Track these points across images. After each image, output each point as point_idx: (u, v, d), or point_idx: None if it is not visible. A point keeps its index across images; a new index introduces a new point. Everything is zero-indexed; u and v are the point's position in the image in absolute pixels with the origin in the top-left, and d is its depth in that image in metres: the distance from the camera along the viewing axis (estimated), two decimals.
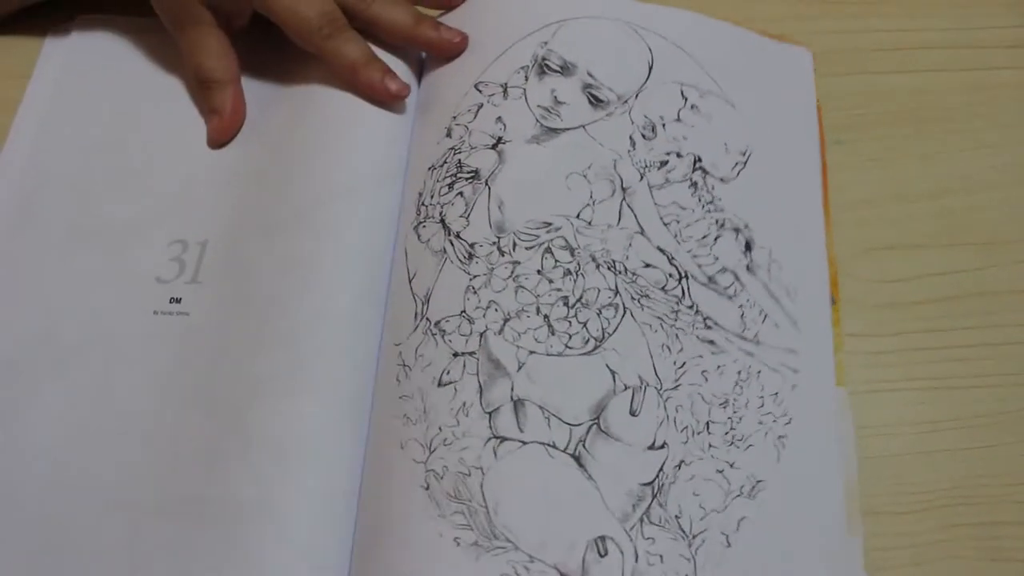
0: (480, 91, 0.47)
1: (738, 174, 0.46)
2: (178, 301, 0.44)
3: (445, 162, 0.45)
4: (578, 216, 0.44)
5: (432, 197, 0.45)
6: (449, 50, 0.48)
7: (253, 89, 0.49)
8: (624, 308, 0.42)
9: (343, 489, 0.39)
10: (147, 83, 0.50)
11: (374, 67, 0.46)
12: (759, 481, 0.39)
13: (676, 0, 0.49)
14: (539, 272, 0.42)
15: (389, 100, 0.47)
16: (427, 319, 0.42)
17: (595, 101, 0.47)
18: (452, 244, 0.43)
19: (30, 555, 0.38)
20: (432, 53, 0.49)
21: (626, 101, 0.47)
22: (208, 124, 0.48)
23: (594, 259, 0.43)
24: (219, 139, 0.48)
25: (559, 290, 0.42)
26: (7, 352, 0.42)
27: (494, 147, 0.45)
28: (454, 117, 0.47)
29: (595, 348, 0.41)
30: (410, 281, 0.43)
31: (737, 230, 0.45)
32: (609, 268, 0.43)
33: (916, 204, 0.49)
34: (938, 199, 0.49)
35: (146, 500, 0.39)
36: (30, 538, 0.38)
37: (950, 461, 0.42)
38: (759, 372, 0.42)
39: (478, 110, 0.46)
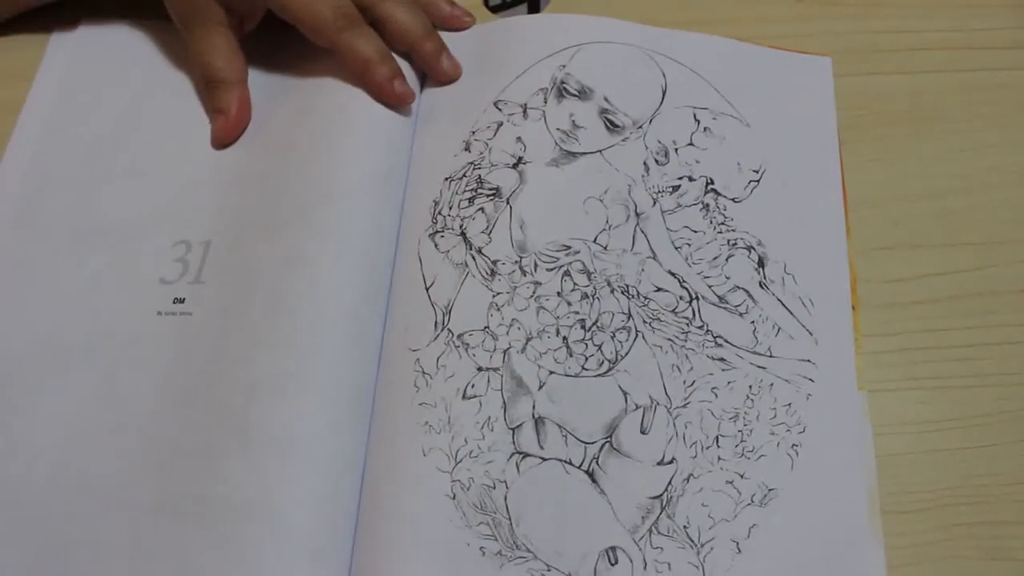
0: (500, 109, 0.45)
1: (751, 192, 0.44)
2: (181, 301, 0.41)
3: (464, 175, 0.44)
4: (595, 240, 0.42)
5: (451, 208, 0.43)
6: (440, 75, 0.47)
7: (255, 90, 0.46)
8: (636, 331, 0.41)
9: (343, 489, 0.37)
10: (150, 84, 0.47)
11: (386, 65, 0.44)
12: (771, 489, 0.38)
13: (682, 12, 0.47)
14: (559, 294, 0.41)
15: (393, 101, 0.44)
16: (449, 330, 0.40)
17: (611, 126, 0.45)
18: (474, 259, 0.42)
19: (31, 555, 0.36)
20: (426, 70, 0.47)
21: (640, 127, 0.45)
22: (213, 124, 0.46)
23: (609, 283, 0.42)
24: (224, 139, 0.45)
25: (577, 313, 0.41)
26: (10, 352, 0.40)
27: (515, 166, 0.44)
28: (472, 132, 0.45)
29: (609, 370, 0.40)
30: (427, 289, 0.41)
31: (750, 247, 0.43)
32: (623, 292, 0.41)
33: (916, 204, 0.46)
34: (938, 199, 0.46)
35: (147, 500, 0.37)
36: (31, 538, 0.37)
37: (950, 461, 0.40)
38: (771, 384, 0.40)
39: (498, 128, 0.45)
